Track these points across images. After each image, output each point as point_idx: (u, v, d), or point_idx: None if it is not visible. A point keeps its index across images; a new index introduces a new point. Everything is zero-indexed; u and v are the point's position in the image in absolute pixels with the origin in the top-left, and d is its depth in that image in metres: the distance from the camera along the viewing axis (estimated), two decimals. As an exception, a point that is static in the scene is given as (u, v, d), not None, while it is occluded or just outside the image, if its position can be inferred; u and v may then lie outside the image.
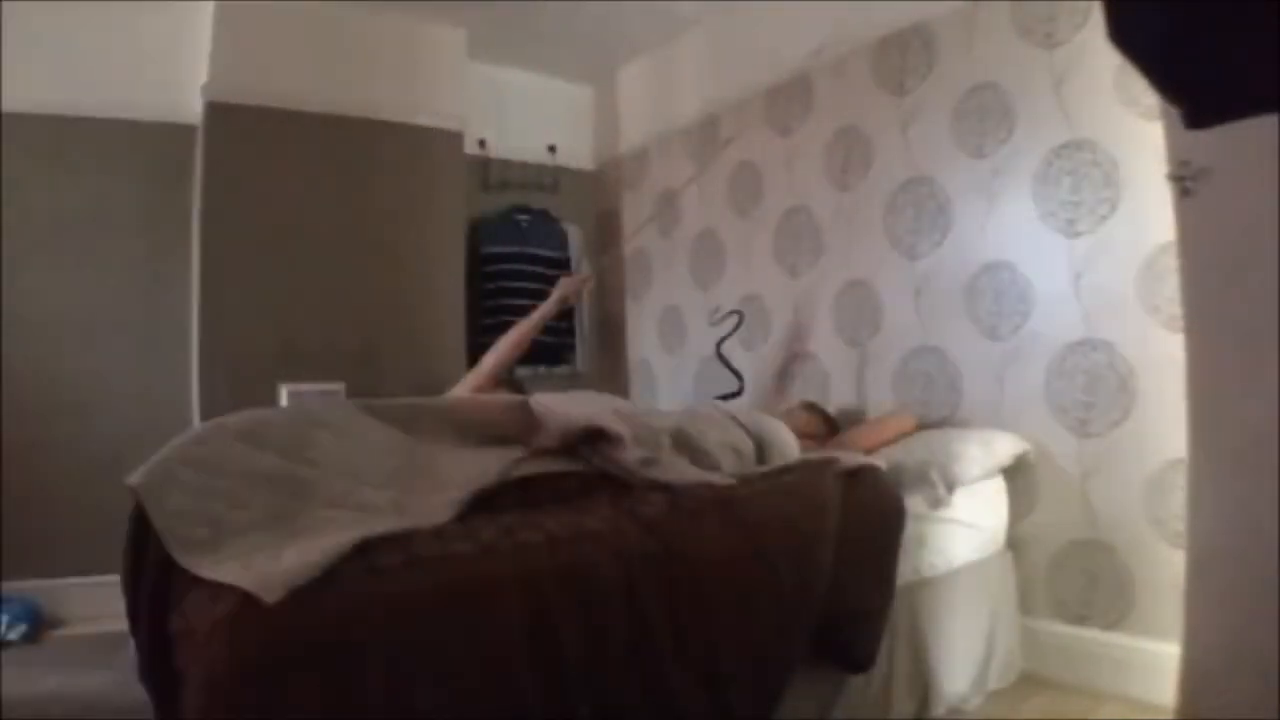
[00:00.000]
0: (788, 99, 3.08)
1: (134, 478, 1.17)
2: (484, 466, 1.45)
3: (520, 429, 1.58)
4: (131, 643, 1.28)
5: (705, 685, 1.32)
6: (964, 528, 2.06)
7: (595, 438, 1.58)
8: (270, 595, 0.99)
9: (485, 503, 1.39)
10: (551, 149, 3.95)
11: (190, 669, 1.03)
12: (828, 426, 2.53)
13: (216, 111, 2.98)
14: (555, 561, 1.22)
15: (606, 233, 4.04)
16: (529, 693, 1.14)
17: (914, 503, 1.94)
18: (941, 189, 2.53)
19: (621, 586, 1.26)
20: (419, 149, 3.34)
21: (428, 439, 1.49)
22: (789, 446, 1.99)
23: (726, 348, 2.95)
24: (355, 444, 1.39)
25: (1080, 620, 2.14)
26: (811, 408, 2.63)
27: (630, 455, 1.58)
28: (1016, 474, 2.24)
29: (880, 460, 2.00)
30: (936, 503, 2.00)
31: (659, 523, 1.38)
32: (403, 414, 1.52)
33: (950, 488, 2.02)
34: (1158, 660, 1.83)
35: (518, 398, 1.72)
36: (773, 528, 1.51)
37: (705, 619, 1.34)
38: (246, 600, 0.99)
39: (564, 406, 1.66)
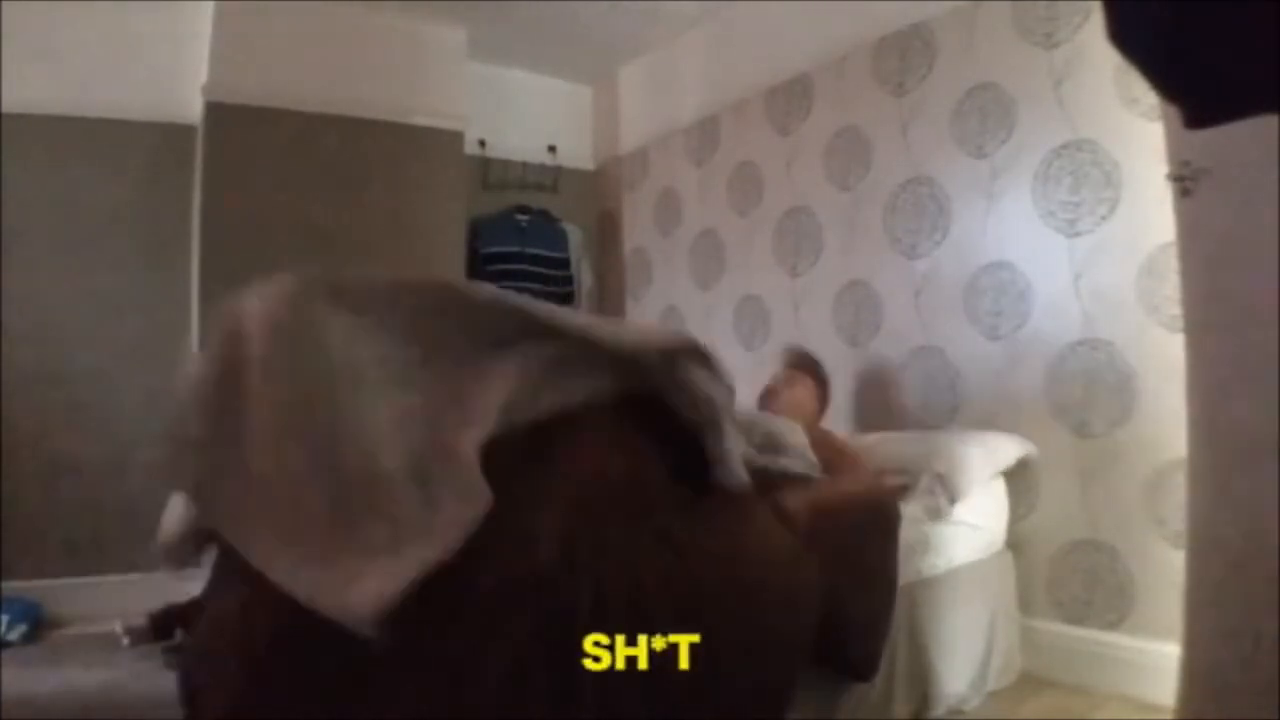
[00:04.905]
0: (788, 99, 3.08)
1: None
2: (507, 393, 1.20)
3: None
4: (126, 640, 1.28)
5: (709, 688, 1.32)
6: (964, 528, 2.06)
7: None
8: (365, 629, 0.91)
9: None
10: (551, 149, 3.95)
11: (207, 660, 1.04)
12: (821, 390, 2.39)
13: (216, 111, 2.98)
14: (563, 562, 1.22)
15: (606, 233, 4.05)
16: (536, 693, 1.13)
17: (914, 511, 1.94)
18: (941, 189, 2.53)
19: (630, 591, 1.26)
20: (419, 149, 3.34)
21: (441, 363, 1.20)
22: (805, 452, 1.95)
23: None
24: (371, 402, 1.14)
25: (1080, 620, 2.14)
26: (801, 364, 2.44)
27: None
28: (1016, 474, 2.23)
29: (878, 461, 1.99)
30: (937, 514, 2.00)
31: (672, 529, 1.37)
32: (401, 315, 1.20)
33: (952, 500, 2.02)
34: (1158, 660, 1.83)
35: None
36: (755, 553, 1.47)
37: (713, 626, 1.33)
38: (253, 598, 0.99)
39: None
